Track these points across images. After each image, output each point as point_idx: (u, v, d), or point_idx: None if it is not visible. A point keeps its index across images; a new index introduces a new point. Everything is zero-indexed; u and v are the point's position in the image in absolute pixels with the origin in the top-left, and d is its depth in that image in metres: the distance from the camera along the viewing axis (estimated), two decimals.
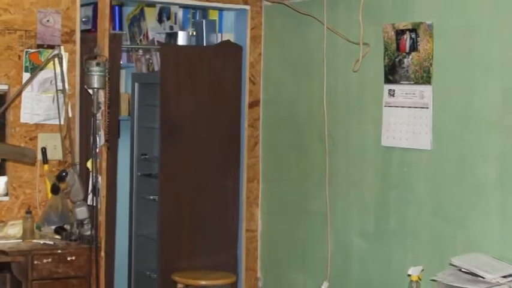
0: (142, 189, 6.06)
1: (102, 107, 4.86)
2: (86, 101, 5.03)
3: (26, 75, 4.93)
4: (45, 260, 4.49)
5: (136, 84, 6.12)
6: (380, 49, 4.61)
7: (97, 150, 4.84)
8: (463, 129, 4.18)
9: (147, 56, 6.18)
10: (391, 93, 4.58)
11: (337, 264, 4.92)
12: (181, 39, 5.90)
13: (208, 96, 5.58)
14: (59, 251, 4.56)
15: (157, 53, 5.86)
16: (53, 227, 4.83)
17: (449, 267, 3.93)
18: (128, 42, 6.27)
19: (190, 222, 5.54)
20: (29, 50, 4.97)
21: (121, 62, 5.81)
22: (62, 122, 4.94)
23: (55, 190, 4.84)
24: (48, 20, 4.99)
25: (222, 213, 5.63)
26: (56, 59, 4.82)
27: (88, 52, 5.02)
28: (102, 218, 4.94)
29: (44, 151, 4.94)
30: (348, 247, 4.89)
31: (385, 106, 4.62)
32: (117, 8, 6.15)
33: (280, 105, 5.53)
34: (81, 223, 4.74)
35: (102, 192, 4.95)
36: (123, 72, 6.14)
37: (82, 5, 5.20)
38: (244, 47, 5.65)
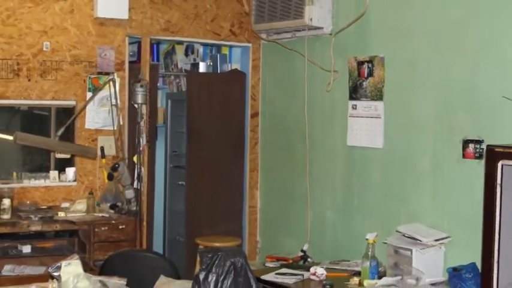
0: (174, 176, 6.06)
1: (144, 117, 4.87)
2: (133, 113, 5.04)
3: (89, 94, 4.94)
4: (103, 228, 4.50)
5: (169, 101, 6.12)
6: (346, 75, 4.62)
7: (140, 149, 4.86)
8: (406, 134, 4.19)
9: (177, 80, 6.20)
10: (354, 107, 4.58)
11: (314, 231, 4.92)
12: (202, 68, 5.91)
13: (221, 109, 5.57)
14: (113, 222, 4.56)
15: (185, 78, 5.88)
16: (109, 204, 4.83)
17: (396, 233, 3.94)
18: (163, 70, 6.27)
19: (208, 201, 5.54)
20: (91, 75, 4.97)
21: (158, 85, 5.82)
22: (115, 128, 4.94)
23: (110, 177, 4.84)
24: (105, 54, 5.00)
25: (231, 194, 5.62)
26: (111, 82, 4.81)
27: (134, 77, 5.04)
28: (144, 197, 4.96)
29: (102, 149, 4.94)
30: (322, 219, 4.89)
31: (349, 116, 4.62)
32: (155, 45, 6.15)
33: (274, 116, 5.52)
34: (129, 201, 4.74)
35: (144, 178, 4.96)
36: (159, 92, 6.14)
37: (130, 43, 5.20)
38: (247, 73, 5.64)
